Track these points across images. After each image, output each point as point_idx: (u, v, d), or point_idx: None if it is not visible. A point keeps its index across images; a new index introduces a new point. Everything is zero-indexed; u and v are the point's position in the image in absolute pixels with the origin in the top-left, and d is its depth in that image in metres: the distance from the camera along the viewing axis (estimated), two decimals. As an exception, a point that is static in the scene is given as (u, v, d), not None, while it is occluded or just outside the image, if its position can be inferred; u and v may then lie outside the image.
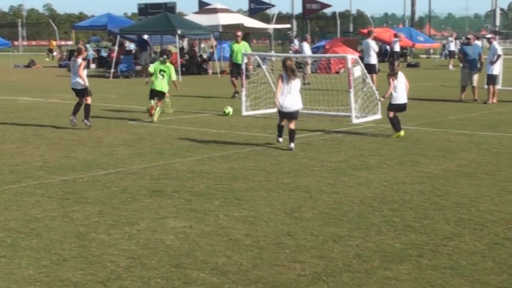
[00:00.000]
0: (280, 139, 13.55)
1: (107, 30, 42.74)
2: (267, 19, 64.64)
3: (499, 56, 22.41)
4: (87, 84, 16.18)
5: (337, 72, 31.08)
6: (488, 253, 6.96)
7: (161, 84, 17.56)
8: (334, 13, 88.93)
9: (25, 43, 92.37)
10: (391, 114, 14.58)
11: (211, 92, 26.29)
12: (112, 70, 35.10)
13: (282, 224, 8.05)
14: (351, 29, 76.02)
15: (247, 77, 19.32)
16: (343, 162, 11.87)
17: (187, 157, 12.36)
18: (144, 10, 52.86)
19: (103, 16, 44.07)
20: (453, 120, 17.63)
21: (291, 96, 12.98)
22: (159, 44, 40.65)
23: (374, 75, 24.30)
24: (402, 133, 14.50)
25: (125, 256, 6.90)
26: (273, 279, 6.26)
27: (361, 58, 24.18)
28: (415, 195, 9.45)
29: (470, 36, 24.68)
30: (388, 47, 47.30)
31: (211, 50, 44.91)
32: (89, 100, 16.16)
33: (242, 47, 23.77)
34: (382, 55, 46.59)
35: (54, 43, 60.25)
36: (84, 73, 16.15)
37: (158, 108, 17.59)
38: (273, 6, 68.70)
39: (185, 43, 44.89)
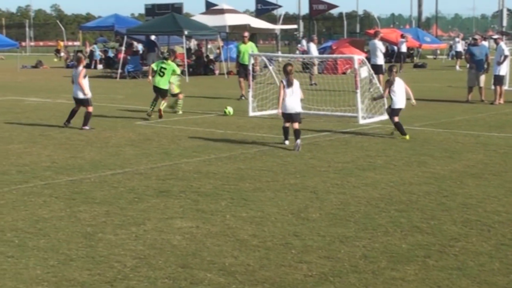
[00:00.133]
0: (287, 142, 13.64)
1: (114, 30, 42.84)
2: (273, 20, 64.67)
3: (506, 56, 22.35)
4: (88, 93, 16.15)
5: (344, 73, 31.08)
6: (495, 254, 6.95)
7: (162, 82, 18.06)
8: (340, 13, 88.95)
9: (32, 43, 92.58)
10: (396, 119, 14.55)
11: (218, 92, 26.31)
12: (119, 70, 35.14)
13: (289, 224, 8.06)
14: (357, 30, 75.97)
15: (254, 77, 19.33)
16: (350, 163, 11.87)
17: (194, 158, 12.38)
18: (151, 10, 52.92)
19: (110, 17, 44.18)
20: (460, 121, 17.60)
21: (294, 98, 13.41)
22: (166, 44, 40.70)
23: (381, 76, 24.26)
24: (407, 137, 14.45)
25: (132, 256, 6.92)
26: (280, 280, 6.26)
27: (368, 58, 24.15)
28: (422, 196, 9.44)
29: (477, 36, 24.64)
30: (395, 47, 47.26)
31: (218, 51, 44.97)
32: (90, 109, 16.17)
33: (249, 48, 23.76)
34: (389, 55, 46.56)
35: (61, 43, 60.38)
36: (84, 81, 16.13)
37: (163, 102, 18.12)
38: (280, 6, 68.70)
39: (192, 44, 44.93)
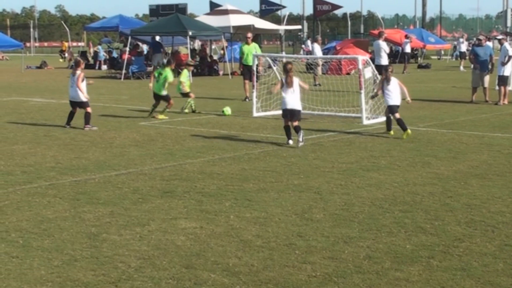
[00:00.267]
0: (290, 141, 13.74)
1: (119, 31, 42.88)
2: (278, 20, 64.68)
3: (510, 57, 22.33)
4: (86, 96, 16.32)
5: (348, 73, 31.05)
6: (499, 255, 6.95)
7: (156, 87, 18.49)
8: (345, 14, 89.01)
9: (37, 44, 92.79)
10: (397, 115, 14.74)
11: (222, 93, 26.33)
12: (124, 71, 35.17)
13: (292, 225, 8.06)
14: (362, 30, 75.99)
15: (257, 78, 19.36)
16: (354, 163, 11.87)
17: (198, 158, 12.39)
18: (155, 11, 52.99)
19: (115, 18, 44.20)
20: (464, 121, 17.59)
21: (295, 96, 13.74)
22: (170, 45, 40.73)
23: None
24: (404, 136, 14.57)
25: (136, 256, 6.93)
26: (284, 280, 6.27)
27: (372, 59, 24.16)
28: (426, 196, 9.43)
29: (481, 37, 24.60)
30: (399, 48, 47.25)
31: (222, 51, 45.00)
32: (88, 109, 16.32)
33: (252, 49, 23.75)
34: (393, 56, 46.57)
35: (66, 44, 60.46)
36: (83, 85, 16.29)
37: (165, 109, 18.42)
38: (284, 7, 68.75)
39: (196, 44, 44.96)
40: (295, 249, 7.15)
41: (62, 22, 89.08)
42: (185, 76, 19.69)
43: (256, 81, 19.50)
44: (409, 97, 15.43)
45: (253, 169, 11.35)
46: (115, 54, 42.06)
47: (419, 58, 52.05)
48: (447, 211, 8.67)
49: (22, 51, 47.58)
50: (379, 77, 19.82)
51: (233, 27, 40.25)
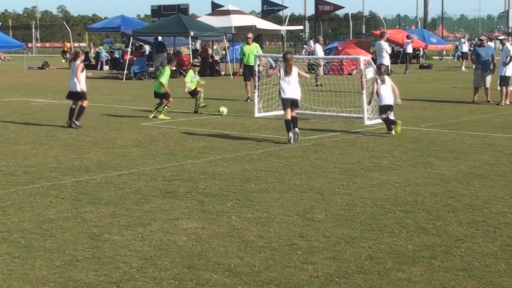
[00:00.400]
0: (291, 134, 13.97)
1: (121, 31, 42.92)
2: (279, 21, 64.70)
3: (511, 57, 22.32)
4: (83, 88, 16.47)
5: (350, 74, 31.05)
6: (501, 255, 6.94)
7: (156, 85, 18.81)
8: (346, 14, 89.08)
9: (39, 44, 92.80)
10: (384, 115, 15.10)
11: (224, 93, 26.33)
12: (125, 71, 35.19)
13: (294, 225, 8.06)
14: (363, 31, 76.03)
15: (259, 78, 19.38)
16: (356, 164, 11.87)
17: (200, 159, 12.39)
18: (157, 11, 53.04)
19: (117, 18, 44.27)
20: (466, 122, 17.58)
21: (292, 86, 14.12)
22: (171, 45, 40.75)
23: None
24: (398, 128, 14.99)
25: (137, 257, 6.93)
26: (286, 281, 6.27)
27: (374, 59, 24.15)
28: (427, 197, 9.43)
29: (483, 37, 24.59)
30: (401, 48, 47.24)
31: (224, 52, 45.01)
32: (84, 103, 16.47)
33: (253, 49, 23.75)
34: (395, 56, 46.54)
35: (68, 45, 60.51)
36: (82, 76, 16.42)
37: (165, 107, 18.54)
38: (285, 7, 68.79)
39: (197, 45, 45.00)
40: (296, 249, 7.15)
41: (64, 22, 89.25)
42: (190, 76, 19.73)
43: (258, 81, 19.49)
44: (399, 98, 15.70)
45: (254, 170, 11.35)
46: (117, 55, 42.09)
47: (421, 59, 52.02)
48: (449, 211, 8.67)
49: (24, 52, 47.60)
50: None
51: (235, 27, 40.27)
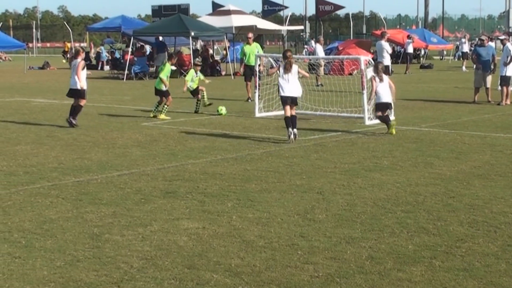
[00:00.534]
0: (291, 129, 14.08)
1: (121, 32, 42.93)
2: (280, 21, 64.76)
3: (512, 57, 22.30)
4: (83, 86, 16.55)
5: (350, 74, 31.04)
6: (502, 255, 6.94)
7: (156, 81, 18.88)
8: (347, 14, 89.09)
9: (39, 45, 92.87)
10: (379, 113, 15.10)
11: (224, 93, 26.32)
12: (126, 72, 35.19)
13: (295, 225, 8.06)
14: (364, 31, 76.04)
15: (259, 78, 19.39)
16: (356, 164, 11.87)
17: (200, 159, 12.39)
18: (157, 11, 53.07)
19: (117, 18, 44.27)
20: (466, 122, 17.58)
21: (291, 84, 14.17)
22: (172, 45, 40.76)
23: (388, 77, 24.21)
24: (392, 130, 15.05)
25: (138, 257, 6.94)
26: (286, 281, 6.27)
27: (375, 59, 24.13)
28: (428, 197, 9.43)
29: (483, 37, 24.58)
30: (401, 48, 47.23)
31: (224, 52, 45.02)
32: (82, 102, 16.53)
33: (254, 49, 23.74)
34: (396, 56, 46.55)
35: (68, 45, 60.53)
36: (82, 74, 16.48)
37: (164, 106, 18.53)
38: (286, 7, 68.84)
39: (198, 45, 45.04)
40: (297, 249, 7.15)
41: (65, 22, 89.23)
42: (191, 75, 19.74)
43: (258, 81, 19.48)
44: (394, 97, 15.71)
45: (255, 170, 11.35)
46: (117, 55, 42.11)
47: (421, 59, 52.03)
48: (450, 211, 8.67)
49: (25, 52, 47.61)
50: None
51: (236, 27, 40.28)
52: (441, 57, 59.91)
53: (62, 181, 10.53)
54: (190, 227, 8.00)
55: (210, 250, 7.15)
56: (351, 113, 18.18)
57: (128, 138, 14.86)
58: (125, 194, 9.68)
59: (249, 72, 23.21)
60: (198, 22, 39.19)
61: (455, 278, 6.30)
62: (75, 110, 16.66)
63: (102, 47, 49.18)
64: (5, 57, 64.00)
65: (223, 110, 19.32)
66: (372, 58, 22.80)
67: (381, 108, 15.13)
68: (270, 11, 64.66)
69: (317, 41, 35.08)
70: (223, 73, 39.12)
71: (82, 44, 73.28)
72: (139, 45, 41.29)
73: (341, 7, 67.06)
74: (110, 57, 44.54)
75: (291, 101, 14.21)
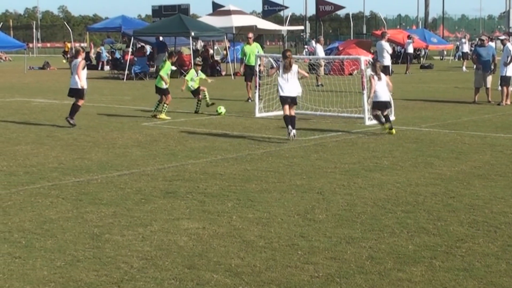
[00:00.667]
0: (290, 127, 14.14)
1: (121, 32, 42.94)
2: (280, 21, 64.77)
3: (512, 57, 22.30)
4: (84, 85, 16.61)
5: (351, 74, 31.04)
6: (502, 255, 6.94)
7: (157, 79, 18.92)
8: (347, 14, 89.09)
9: (39, 45, 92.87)
10: (378, 112, 15.14)
11: (224, 93, 26.32)
12: (126, 72, 35.18)
13: (295, 225, 8.06)
14: (364, 31, 76.02)
15: (259, 78, 19.40)
16: (356, 164, 11.87)
17: (200, 159, 12.39)
18: (158, 12, 53.07)
19: (117, 18, 44.27)
20: (466, 122, 17.58)
21: (291, 83, 14.22)
22: (172, 45, 40.76)
23: (388, 77, 24.23)
24: (392, 129, 15.04)
25: (138, 257, 6.94)
26: (286, 281, 6.27)
27: (375, 59, 24.11)
28: (428, 197, 9.43)
29: (483, 37, 24.58)
30: (401, 48, 47.24)
31: (225, 52, 45.03)
32: (80, 102, 16.59)
33: (254, 49, 23.73)
34: (396, 56, 46.56)
35: (68, 45, 60.55)
36: (82, 73, 16.51)
37: (164, 105, 18.51)
38: (286, 8, 68.86)
39: (198, 45, 45.05)
40: (297, 249, 7.16)
41: (65, 22, 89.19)
42: (191, 75, 19.75)
43: (258, 82, 19.49)
44: (391, 90, 15.81)
45: (255, 170, 11.36)
46: (117, 55, 42.12)
47: (421, 59, 52.03)
48: (450, 211, 8.67)
49: (25, 52, 47.62)
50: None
51: (236, 27, 40.29)
52: (441, 57, 59.92)
53: (62, 181, 10.53)
54: (190, 227, 8.00)
55: (210, 250, 7.15)
56: (351, 113, 18.18)
57: (128, 138, 14.86)
58: (125, 194, 9.68)
59: (249, 72, 23.19)
60: (198, 22, 39.19)
61: (455, 278, 6.30)
62: (73, 110, 16.69)
63: (102, 47, 49.19)
64: (5, 57, 64.02)
65: (222, 109, 19.34)
66: (372, 58, 22.79)
67: (379, 107, 15.11)
68: (270, 11, 64.68)
69: (317, 41, 35.09)
70: (223, 73, 39.13)
71: (82, 44, 73.26)
72: (140, 45, 41.29)
73: (341, 7, 67.10)
74: (110, 57, 44.53)
75: (291, 101, 14.25)
